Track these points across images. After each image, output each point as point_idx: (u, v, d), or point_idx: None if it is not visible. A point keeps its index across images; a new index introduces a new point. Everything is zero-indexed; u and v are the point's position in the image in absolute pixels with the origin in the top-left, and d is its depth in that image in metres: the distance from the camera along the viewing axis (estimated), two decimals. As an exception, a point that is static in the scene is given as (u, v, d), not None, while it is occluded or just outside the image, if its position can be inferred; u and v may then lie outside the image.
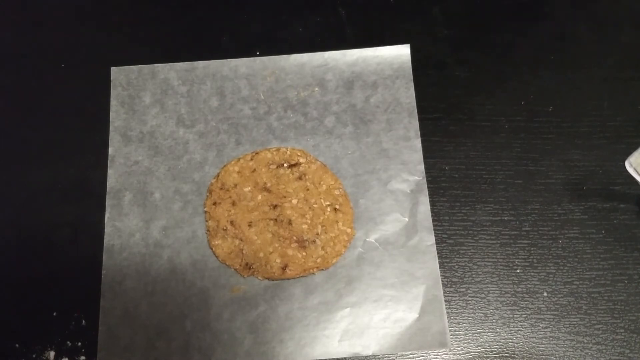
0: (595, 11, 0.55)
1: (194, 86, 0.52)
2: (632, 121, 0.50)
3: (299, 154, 0.49)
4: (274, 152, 0.49)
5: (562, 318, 0.45)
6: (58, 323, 0.45)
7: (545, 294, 0.45)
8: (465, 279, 0.46)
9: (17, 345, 0.45)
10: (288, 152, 0.49)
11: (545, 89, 0.52)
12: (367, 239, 0.47)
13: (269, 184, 0.48)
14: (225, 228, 0.47)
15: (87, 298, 0.46)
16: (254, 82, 0.52)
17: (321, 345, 0.44)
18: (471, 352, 0.44)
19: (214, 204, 0.48)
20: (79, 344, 0.45)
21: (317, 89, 0.52)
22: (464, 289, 0.46)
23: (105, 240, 0.47)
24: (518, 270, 0.46)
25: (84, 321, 0.45)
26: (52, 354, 0.45)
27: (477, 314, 0.45)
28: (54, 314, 0.46)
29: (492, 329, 0.45)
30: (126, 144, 0.50)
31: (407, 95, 0.51)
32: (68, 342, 0.45)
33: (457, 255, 0.47)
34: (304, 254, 0.46)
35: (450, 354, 0.44)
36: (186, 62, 0.52)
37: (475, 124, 0.51)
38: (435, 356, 0.44)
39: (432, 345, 0.44)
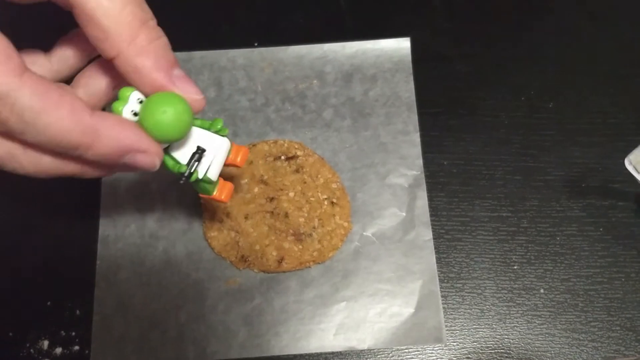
0: (597, 7, 0.54)
1: (190, 76, 0.51)
2: (633, 119, 0.50)
3: (296, 146, 0.49)
4: (271, 145, 0.49)
5: (558, 315, 0.45)
6: (52, 312, 0.45)
7: (542, 290, 0.45)
8: (462, 275, 0.46)
9: (10, 334, 0.45)
10: (285, 145, 0.49)
11: (546, 85, 0.51)
12: (364, 233, 0.47)
13: (265, 177, 0.48)
14: (221, 220, 0.47)
15: (82, 288, 0.45)
16: (252, 74, 0.52)
17: (316, 339, 0.44)
18: (467, 347, 0.44)
19: (210, 195, 0.47)
20: (73, 333, 0.45)
21: (315, 81, 0.52)
22: (460, 285, 0.46)
23: (100, 230, 0.47)
24: (515, 267, 0.46)
25: (78, 311, 0.45)
26: (45, 343, 0.44)
27: (473, 309, 0.45)
28: (48, 303, 0.45)
29: (488, 325, 0.45)
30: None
31: (407, 89, 0.51)
32: (62, 332, 0.45)
33: (455, 251, 0.47)
34: (300, 247, 0.46)
35: (446, 349, 0.44)
36: (183, 52, 0.52)
37: (475, 119, 0.51)
38: (430, 351, 0.44)
39: (428, 340, 0.44)
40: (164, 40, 0.33)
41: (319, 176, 0.48)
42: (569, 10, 0.54)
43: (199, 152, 0.35)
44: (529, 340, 0.44)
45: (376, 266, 0.46)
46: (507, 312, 0.45)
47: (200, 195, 0.38)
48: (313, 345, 0.44)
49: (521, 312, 0.45)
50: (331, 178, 0.48)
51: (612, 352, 0.43)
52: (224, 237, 0.46)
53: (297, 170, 0.48)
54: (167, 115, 0.31)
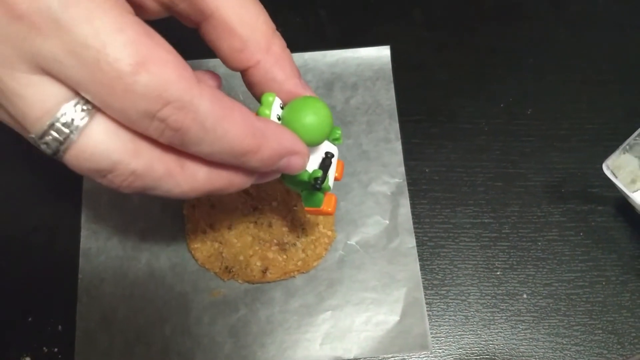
0: (573, 15, 0.55)
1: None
2: (610, 124, 0.51)
3: (279, 155, 0.49)
4: (254, 154, 0.49)
5: (541, 320, 0.45)
6: (34, 328, 0.45)
7: (525, 295, 0.46)
8: (446, 282, 0.46)
9: (-9, 351, 0.44)
10: (268, 154, 0.49)
11: (525, 92, 0.52)
12: (348, 242, 0.47)
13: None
14: (204, 231, 0.46)
15: (64, 303, 0.45)
16: (232, 83, 0.52)
17: (302, 349, 0.44)
18: (452, 354, 0.44)
19: (193, 206, 0.47)
20: (56, 349, 0.44)
21: (297, 90, 0.52)
22: (444, 292, 0.46)
23: (82, 244, 0.47)
24: (498, 273, 0.47)
25: (60, 326, 0.45)
26: (27, 360, 0.44)
27: (457, 316, 0.45)
28: (30, 319, 0.45)
29: (473, 331, 0.45)
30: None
31: (388, 97, 0.51)
32: (44, 348, 0.44)
33: (438, 258, 0.47)
34: (285, 257, 0.46)
35: (432, 356, 0.44)
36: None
37: (456, 126, 0.51)
38: (416, 359, 0.44)
39: (414, 347, 0.44)
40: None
41: (302, 185, 0.48)
42: (546, 19, 0.55)
43: (330, 157, 0.36)
44: (513, 345, 0.44)
45: (361, 274, 0.46)
46: (491, 317, 0.45)
47: (306, 209, 0.38)
48: (299, 355, 0.44)
49: (505, 317, 0.45)
50: (314, 187, 0.48)
51: (595, 355, 0.44)
52: (208, 248, 0.46)
53: (279, 180, 0.48)
54: (315, 118, 0.33)
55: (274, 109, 0.33)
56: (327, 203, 0.38)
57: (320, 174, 0.35)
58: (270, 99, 0.33)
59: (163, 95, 0.25)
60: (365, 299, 0.45)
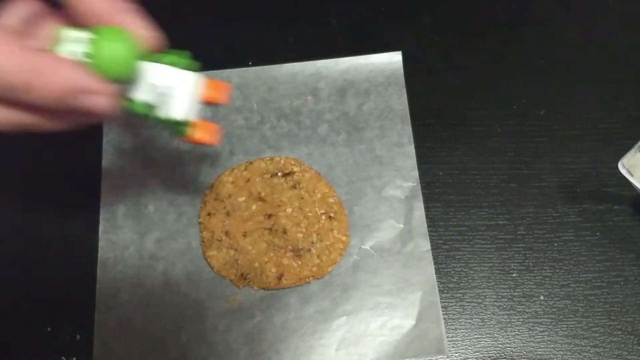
0: (583, 15, 0.55)
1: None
2: (623, 123, 0.50)
3: (292, 162, 0.49)
4: (268, 162, 0.49)
5: (559, 321, 0.45)
6: (52, 338, 0.45)
7: (541, 297, 0.45)
8: (461, 285, 0.46)
9: (11, 361, 0.45)
10: (282, 161, 0.49)
11: (537, 93, 0.52)
12: (363, 247, 0.47)
13: (263, 194, 0.48)
14: (220, 239, 0.47)
15: (82, 312, 0.45)
16: (246, 92, 0.52)
17: (318, 355, 0.44)
18: (469, 357, 0.44)
19: (209, 214, 0.48)
20: (74, 358, 0.45)
21: (310, 97, 0.52)
22: (460, 295, 0.46)
23: (100, 254, 0.47)
24: (514, 274, 0.46)
25: (78, 336, 0.45)
26: (46, 369, 0.44)
27: (474, 319, 0.45)
28: (48, 329, 0.45)
29: (490, 334, 0.44)
30: (120, 157, 0.50)
31: (400, 101, 0.51)
32: (62, 357, 0.45)
33: (453, 261, 0.47)
34: (300, 263, 0.46)
35: (448, 360, 0.44)
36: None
37: (468, 129, 0.51)
38: (433, 363, 0.44)
39: (430, 351, 0.44)
40: None
41: (316, 191, 0.48)
42: (556, 19, 0.55)
43: (157, 91, 0.33)
44: (531, 348, 0.44)
45: (375, 279, 0.46)
46: (508, 320, 0.45)
47: (183, 138, 0.36)
48: (314, 361, 0.44)
49: (522, 319, 0.45)
50: (328, 193, 0.48)
51: (614, 356, 0.43)
52: (223, 256, 0.47)
53: (294, 187, 0.48)
54: (104, 51, 0.29)
55: (69, 44, 0.30)
56: (203, 131, 0.35)
57: (147, 109, 0.33)
58: (62, 32, 0.30)
59: None
60: (380, 303, 0.45)
